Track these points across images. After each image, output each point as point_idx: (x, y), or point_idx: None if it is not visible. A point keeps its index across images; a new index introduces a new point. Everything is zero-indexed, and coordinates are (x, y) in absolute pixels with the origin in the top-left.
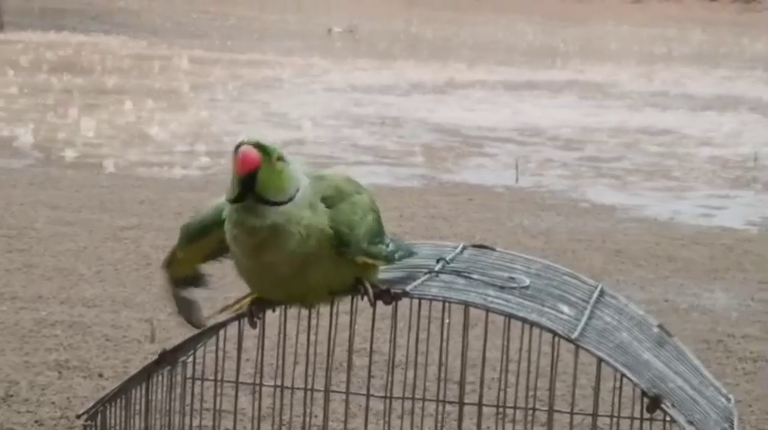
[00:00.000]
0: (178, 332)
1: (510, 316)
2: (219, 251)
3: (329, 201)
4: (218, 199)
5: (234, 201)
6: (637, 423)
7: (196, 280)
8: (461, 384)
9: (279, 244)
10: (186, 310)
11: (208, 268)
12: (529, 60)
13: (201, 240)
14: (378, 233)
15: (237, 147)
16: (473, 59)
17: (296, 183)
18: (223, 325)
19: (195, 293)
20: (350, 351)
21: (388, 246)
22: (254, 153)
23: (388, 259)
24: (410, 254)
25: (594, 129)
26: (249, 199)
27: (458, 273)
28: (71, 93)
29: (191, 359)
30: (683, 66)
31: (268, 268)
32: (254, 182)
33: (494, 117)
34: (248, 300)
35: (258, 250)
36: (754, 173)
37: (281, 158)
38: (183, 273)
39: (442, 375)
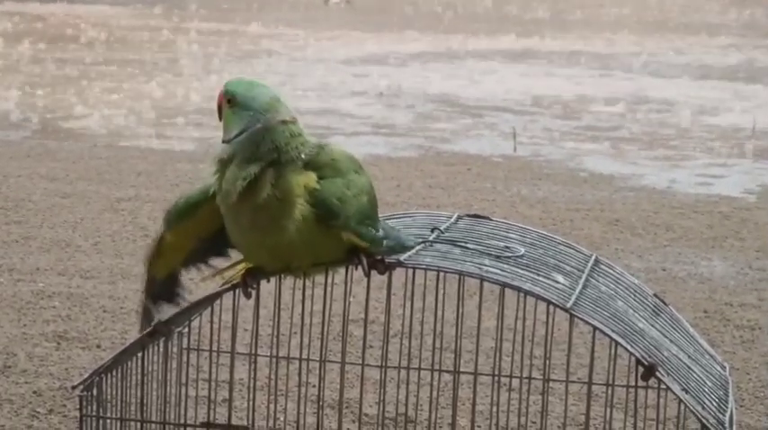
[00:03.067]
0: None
1: (505, 285)
2: (207, 241)
3: (324, 172)
4: (202, 183)
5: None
6: (632, 391)
7: (173, 284)
8: (457, 353)
9: (226, 184)
10: (146, 325)
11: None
12: (527, 30)
13: (189, 220)
14: (369, 217)
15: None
16: (471, 29)
17: (238, 126)
18: (218, 295)
19: (163, 310)
20: (345, 321)
21: (378, 232)
22: (220, 96)
23: (376, 243)
24: (401, 245)
25: (592, 98)
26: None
27: (453, 242)
28: (67, 64)
29: (186, 330)
30: (682, 35)
31: (240, 216)
32: None
33: (491, 87)
34: (242, 269)
35: (224, 194)
36: (753, 141)
37: (230, 102)
38: (165, 270)
39: (438, 344)
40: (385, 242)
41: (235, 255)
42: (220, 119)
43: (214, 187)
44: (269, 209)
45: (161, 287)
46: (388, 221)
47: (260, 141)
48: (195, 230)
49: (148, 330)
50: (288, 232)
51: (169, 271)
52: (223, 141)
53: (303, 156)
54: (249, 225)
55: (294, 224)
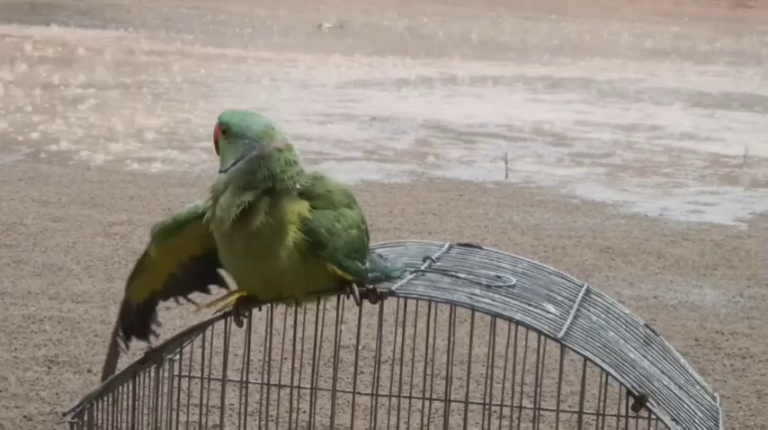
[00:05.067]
0: (166, 328)
1: (496, 315)
2: (188, 269)
3: (317, 203)
4: (192, 204)
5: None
6: (623, 420)
7: (148, 315)
8: (448, 380)
9: (220, 212)
10: (111, 360)
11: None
12: (519, 56)
13: (175, 237)
14: (358, 250)
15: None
16: (463, 55)
17: (234, 155)
18: (210, 323)
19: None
20: (336, 348)
21: (365, 265)
22: (216, 128)
23: (360, 276)
24: (387, 276)
25: (585, 125)
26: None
27: (444, 271)
28: (60, 88)
29: (177, 357)
30: (675, 62)
31: (233, 243)
32: None
33: (484, 113)
34: (234, 298)
35: (216, 222)
36: (744, 169)
37: (225, 133)
38: (144, 292)
39: (429, 371)
40: (370, 275)
41: (218, 290)
42: (218, 152)
43: (204, 209)
44: (262, 236)
45: (136, 316)
46: (380, 250)
47: (256, 169)
48: (179, 250)
49: (140, 357)
50: (280, 260)
51: (148, 294)
52: (220, 171)
53: (298, 185)
54: (243, 252)
55: (286, 252)
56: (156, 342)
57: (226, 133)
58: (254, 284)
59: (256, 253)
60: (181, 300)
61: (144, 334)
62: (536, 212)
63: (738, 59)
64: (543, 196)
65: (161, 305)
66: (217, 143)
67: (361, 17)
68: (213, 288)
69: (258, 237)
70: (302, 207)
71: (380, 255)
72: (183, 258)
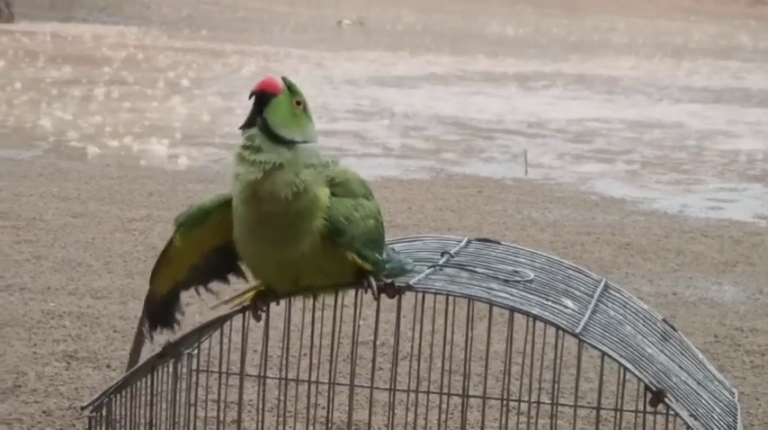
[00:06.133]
0: (185, 322)
1: (513, 310)
2: (210, 259)
3: (336, 190)
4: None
5: (244, 126)
6: (641, 416)
7: (172, 305)
8: (466, 376)
9: (274, 186)
10: (136, 351)
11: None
12: (539, 52)
13: (200, 226)
14: (375, 240)
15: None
16: (483, 51)
17: (306, 135)
18: (228, 317)
19: (156, 335)
20: (354, 343)
21: (382, 256)
22: (278, 81)
23: (378, 266)
24: (402, 270)
25: (604, 121)
26: (257, 126)
27: (462, 266)
28: (80, 84)
29: (196, 351)
30: (694, 59)
31: (261, 223)
32: (267, 109)
33: (503, 109)
34: (252, 293)
35: (254, 193)
36: (764, 166)
37: (303, 108)
38: (168, 284)
39: (447, 367)
40: (388, 265)
41: (237, 282)
42: (259, 106)
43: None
44: (287, 217)
45: (160, 307)
46: (397, 245)
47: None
48: (202, 241)
49: (158, 352)
50: (302, 245)
51: (172, 285)
52: (284, 139)
53: (325, 172)
54: (262, 234)
55: (310, 237)
56: (175, 334)
57: (300, 104)
58: (271, 272)
59: (277, 235)
60: (201, 289)
61: (168, 323)
62: (555, 209)
63: (758, 56)
64: (563, 193)
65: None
66: (260, 96)
67: (381, 14)
68: (232, 279)
69: (282, 216)
70: (324, 193)
71: (394, 250)
72: (205, 249)
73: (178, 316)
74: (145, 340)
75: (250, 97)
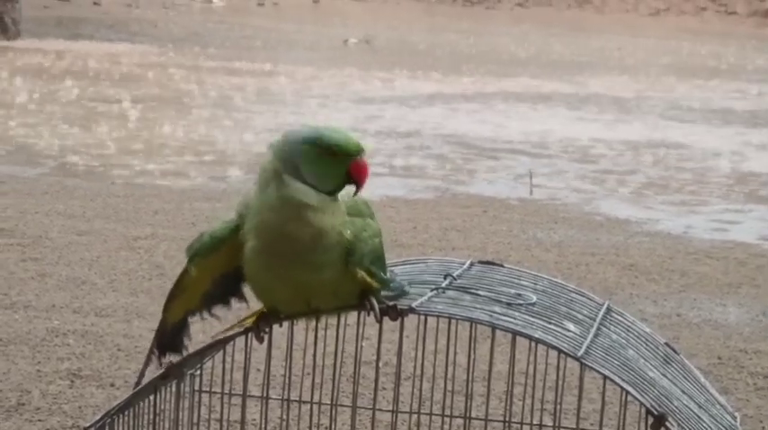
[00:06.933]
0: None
1: (515, 333)
2: (217, 285)
3: (348, 210)
4: (222, 220)
5: (330, 192)
6: None
7: (181, 331)
8: (468, 397)
9: (311, 220)
10: (143, 372)
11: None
12: (544, 72)
13: (214, 254)
14: (380, 259)
15: (351, 150)
16: (489, 70)
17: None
18: (231, 339)
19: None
20: (357, 363)
21: (386, 275)
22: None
23: (385, 284)
24: (402, 292)
25: (609, 141)
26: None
27: (465, 289)
28: (86, 101)
29: (198, 372)
30: (700, 79)
31: (285, 247)
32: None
33: (508, 129)
34: (254, 315)
35: (288, 221)
36: None
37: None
38: (180, 313)
39: (450, 387)
40: (392, 284)
41: (239, 307)
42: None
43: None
44: (322, 238)
45: (170, 335)
46: (400, 267)
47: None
48: (214, 268)
49: (161, 372)
50: (328, 267)
51: (183, 314)
52: (321, 190)
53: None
54: (290, 256)
55: (333, 257)
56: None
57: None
58: (283, 295)
59: (305, 258)
60: (205, 314)
61: (177, 348)
62: (560, 229)
63: (765, 76)
64: (567, 213)
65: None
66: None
67: (387, 33)
68: (234, 303)
69: (319, 238)
70: (342, 216)
71: (393, 272)
72: (216, 276)
73: (186, 341)
74: (151, 363)
75: (357, 191)
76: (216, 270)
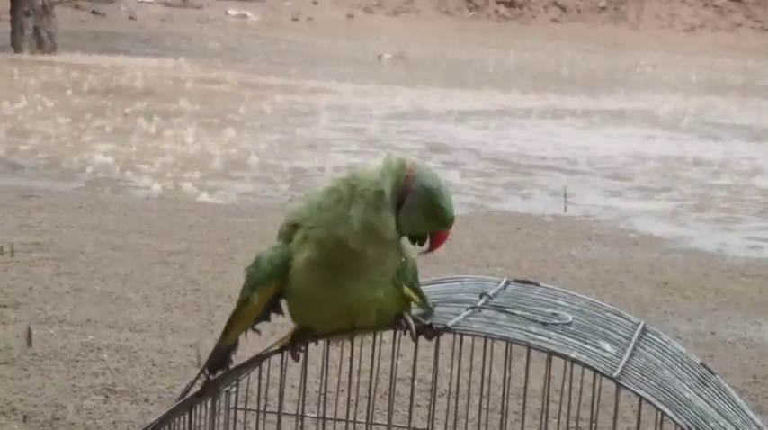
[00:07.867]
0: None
1: (552, 353)
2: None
3: None
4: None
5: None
6: None
7: (230, 350)
8: (503, 414)
9: (385, 249)
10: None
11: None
12: (579, 89)
13: (274, 280)
14: (416, 275)
15: (447, 221)
16: (523, 87)
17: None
18: (267, 356)
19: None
20: (392, 380)
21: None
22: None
23: (424, 300)
24: (429, 309)
25: (644, 158)
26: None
27: (500, 308)
28: (121, 116)
29: (234, 389)
30: (735, 96)
31: (349, 262)
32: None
33: (543, 145)
34: (290, 334)
35: (362, 242)
36: None
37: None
38: (235, 338)
39: (485, 405)
40: (429, 302)
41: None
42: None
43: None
44: (385, 259)
45: (221, 356)
46: (436, 286)
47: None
48: (271, 292)
49: (197, 390)
50: (382, 286)
51: (238, 335)
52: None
53: None
54: (353, 271)
55: (390, 277)
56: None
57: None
58: (328, 312)
59: (369, 275)
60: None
61: (224, 365)
62: (594, 246)
63: None
64: (602, 230)
65: None
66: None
67: (421, 48)
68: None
69: (386, 257)
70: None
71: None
72: (269, 298)
73: (233, 356)
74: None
75: (426, 252)
76: (270, 293)
